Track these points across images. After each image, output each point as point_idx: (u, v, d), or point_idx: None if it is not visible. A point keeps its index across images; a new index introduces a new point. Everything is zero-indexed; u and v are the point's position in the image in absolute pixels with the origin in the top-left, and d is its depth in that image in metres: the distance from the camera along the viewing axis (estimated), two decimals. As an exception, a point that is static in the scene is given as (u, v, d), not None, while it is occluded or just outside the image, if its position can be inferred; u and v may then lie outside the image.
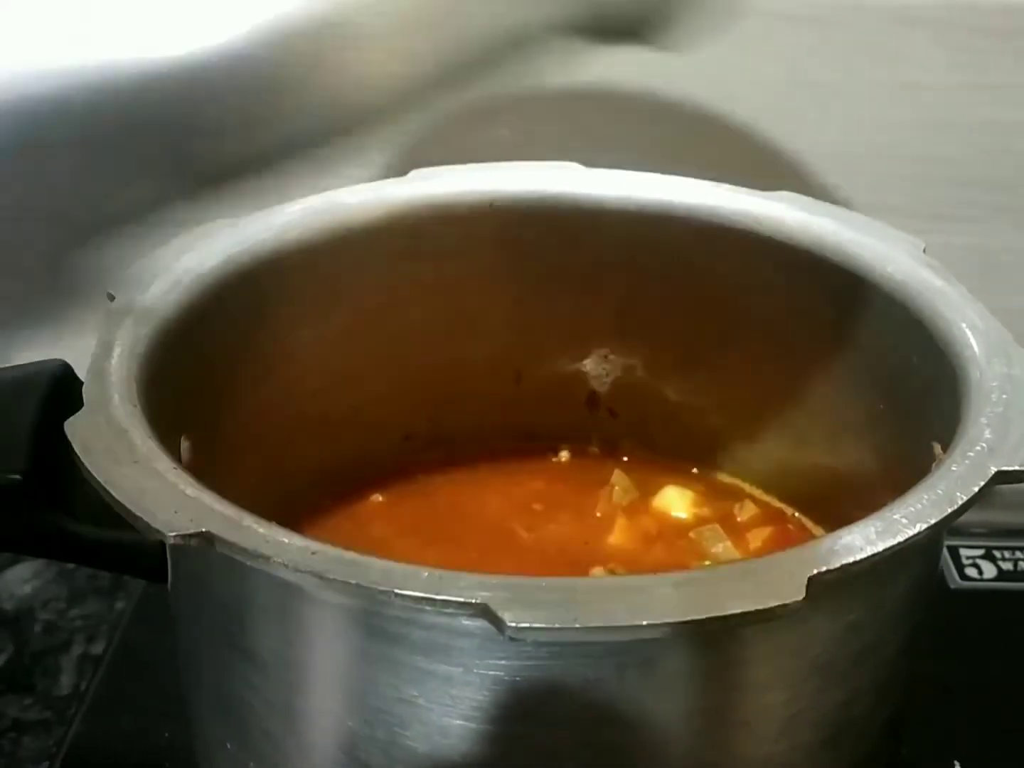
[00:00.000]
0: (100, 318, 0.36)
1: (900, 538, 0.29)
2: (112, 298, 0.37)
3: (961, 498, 0.30)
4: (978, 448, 0.32)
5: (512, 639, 0.26)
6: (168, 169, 0.27)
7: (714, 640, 0.29)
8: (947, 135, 0.55)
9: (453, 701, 0.29)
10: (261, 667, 0.32)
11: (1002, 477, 0.31)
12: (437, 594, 0.27)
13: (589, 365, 0.47)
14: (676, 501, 0.46)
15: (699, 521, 0.45)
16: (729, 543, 0.44)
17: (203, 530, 0.28)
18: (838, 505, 0.39)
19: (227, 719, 0.34)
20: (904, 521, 0.30)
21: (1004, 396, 0.34)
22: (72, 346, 0.33)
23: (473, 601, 0.26)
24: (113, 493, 0.29)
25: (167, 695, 0.40)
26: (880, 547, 0.29)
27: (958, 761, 0.43)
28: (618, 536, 0.45)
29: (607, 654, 0.29)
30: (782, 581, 0.27)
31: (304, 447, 0.44)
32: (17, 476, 0.34)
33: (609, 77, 0.51)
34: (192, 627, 0.35)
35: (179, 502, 0.29)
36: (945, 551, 0.51)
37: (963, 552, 0.52)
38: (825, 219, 0.42)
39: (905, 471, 0.34)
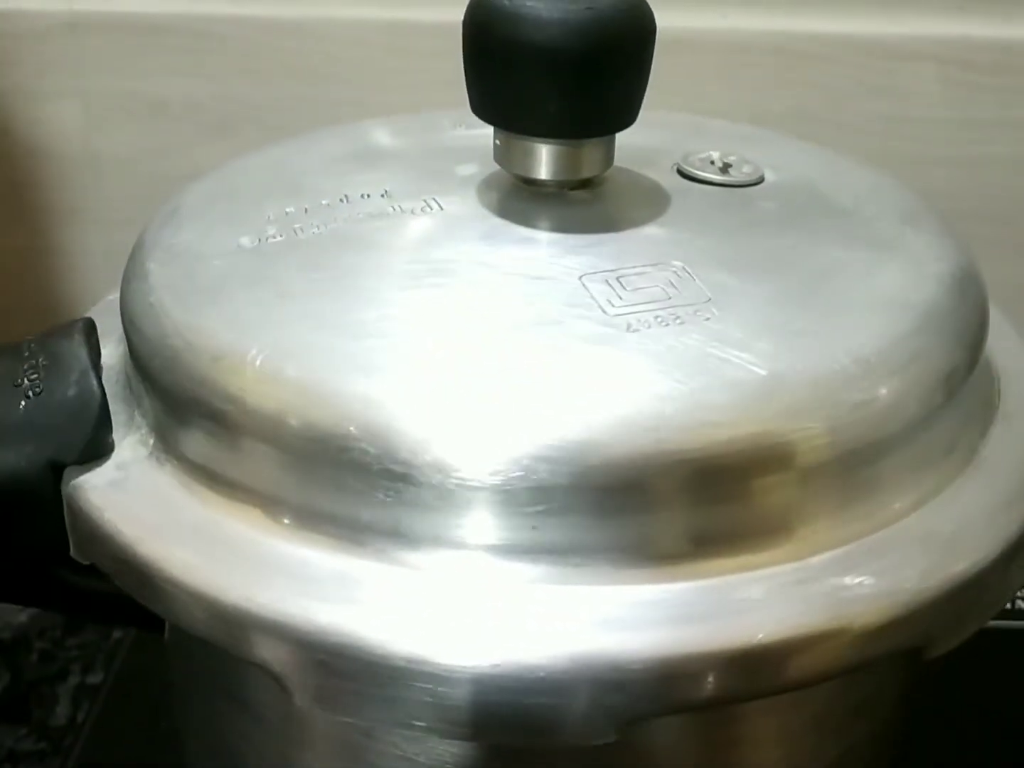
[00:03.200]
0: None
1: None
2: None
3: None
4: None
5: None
6: None
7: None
8: (941, 169, 0.55)
9: (453, 759, 0.29)
10: (257, 719, 0.32)
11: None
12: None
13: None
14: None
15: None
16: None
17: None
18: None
19: (222, 766, 0.34)
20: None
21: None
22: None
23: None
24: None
25: (163, 728, 0.40)
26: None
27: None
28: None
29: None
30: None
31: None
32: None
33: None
34: (188, 676, 0.35)
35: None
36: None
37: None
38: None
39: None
